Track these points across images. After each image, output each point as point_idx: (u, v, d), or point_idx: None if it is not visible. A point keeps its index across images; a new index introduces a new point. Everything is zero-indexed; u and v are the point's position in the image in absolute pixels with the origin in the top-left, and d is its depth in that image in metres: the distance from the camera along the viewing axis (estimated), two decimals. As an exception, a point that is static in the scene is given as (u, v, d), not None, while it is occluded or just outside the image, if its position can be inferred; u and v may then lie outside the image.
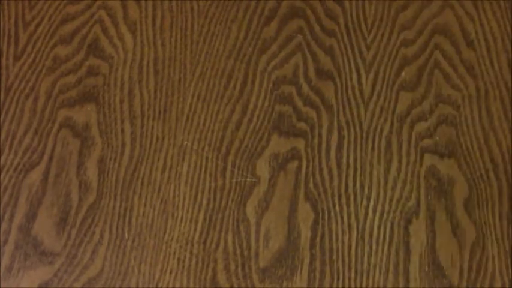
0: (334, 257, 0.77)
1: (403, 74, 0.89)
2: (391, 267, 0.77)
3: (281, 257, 0.77)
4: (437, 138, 0.84)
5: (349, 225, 0.79)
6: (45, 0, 0.93)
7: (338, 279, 0.76)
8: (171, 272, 0.76)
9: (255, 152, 0.83)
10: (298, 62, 0.89)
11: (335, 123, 0.85)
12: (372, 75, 0.88)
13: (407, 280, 0.76)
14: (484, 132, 0.84)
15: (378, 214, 0.80)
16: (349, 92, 0.87)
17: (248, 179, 0.81)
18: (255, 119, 0.84)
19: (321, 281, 0.76)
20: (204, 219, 0.79)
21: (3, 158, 0.82)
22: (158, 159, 0.82)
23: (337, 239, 0.78)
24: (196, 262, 0.77)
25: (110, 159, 0.82)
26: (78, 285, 0.75)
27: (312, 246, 0.78)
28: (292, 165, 0.82)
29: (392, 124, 0.85)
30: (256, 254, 0.77)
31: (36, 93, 0.86)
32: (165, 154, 0.83)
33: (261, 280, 0.76)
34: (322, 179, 0.81)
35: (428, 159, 0.83)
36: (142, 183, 0.81)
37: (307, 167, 0.82)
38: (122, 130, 0.84)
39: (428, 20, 0.93)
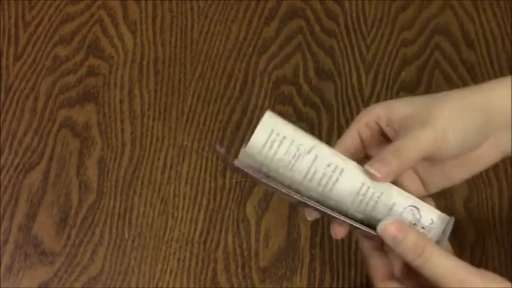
0: (334, 257, 0.77)
1: (403, 74, 0.89)
2: (391, 267, 0.77)
3: (281, 257, 0.77)
4: (437, 138, 0.84)
5: (349, 225, 0.79)
6: (45, 0, 0.93)
7: (338, 279, 0.76)
8: (171, 272, 0.76)
9: (255, 152, 0.83)
10: (298, 62, 0.89)
11: (335, 123, 0.85)
12: (371, 75, 0.88)
13: (407, 280, 0.76)
14: (484, 132, 0.84)
15: (378, 214, 0.79)
16: (349, 92, 0.87)
17: (248, 179, 0.81)
18: (255, 119, 0.84)
19: (321, 281, 0.76)
20: (204, 219, 0.79)
21: (3, 158, 0.82)
22: (158, 159, 0.82)
23: (337, 239, 0.78)
24: (196, 262, 0.77)
25: (110, 159, 0.82)
26: (78, 285, 0.75)
27: (312, 246, 0.77)
28: (292, 165, 0.82)
29: (392, 124, 0.85)
30: (256, 254, 0.77)
31: (36, 93, 0.86)
32: (165, 154, 0.83)
33: (261, 280, 0.76)
34: (322, 179, 0.81)
35: (428, 159, 0.82)
36: (142, 183, 0.81)
37: (307, 167, 0.82)
38: (122, 130, 0.84)
39: (428, 20, 0.92)
